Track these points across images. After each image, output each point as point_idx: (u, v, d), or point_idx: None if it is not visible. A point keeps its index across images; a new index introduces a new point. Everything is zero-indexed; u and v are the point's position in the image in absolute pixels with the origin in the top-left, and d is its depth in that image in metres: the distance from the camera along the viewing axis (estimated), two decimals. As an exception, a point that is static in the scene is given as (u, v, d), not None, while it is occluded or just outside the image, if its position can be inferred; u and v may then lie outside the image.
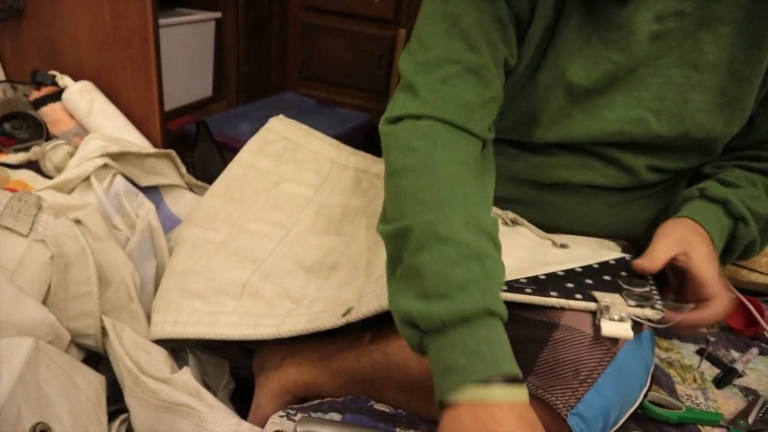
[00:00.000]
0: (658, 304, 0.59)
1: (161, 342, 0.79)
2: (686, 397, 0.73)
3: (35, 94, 1.24)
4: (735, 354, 0.82)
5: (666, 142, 0.68)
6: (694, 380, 0.77)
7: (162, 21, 1.24)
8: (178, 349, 0.85)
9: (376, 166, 0.97)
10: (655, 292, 0.61)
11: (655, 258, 0.61)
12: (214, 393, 0.81)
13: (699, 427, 0.67)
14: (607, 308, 0.57)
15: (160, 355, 0.68)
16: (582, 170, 0.72)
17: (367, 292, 0.73)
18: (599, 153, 0.70)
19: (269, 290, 0.80)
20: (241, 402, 0.84)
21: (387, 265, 0.59)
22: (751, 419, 0.68)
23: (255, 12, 1.78)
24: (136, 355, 0.67)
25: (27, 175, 1.11)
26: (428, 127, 0.60)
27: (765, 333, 0.84)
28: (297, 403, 0.75)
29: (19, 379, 0.49)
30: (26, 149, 1.20)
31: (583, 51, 0.65)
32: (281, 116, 1.04)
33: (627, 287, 0.61)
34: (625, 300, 0.59)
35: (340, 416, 0.66)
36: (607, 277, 0.62)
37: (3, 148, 1.19)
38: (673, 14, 0.63)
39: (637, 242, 0.78)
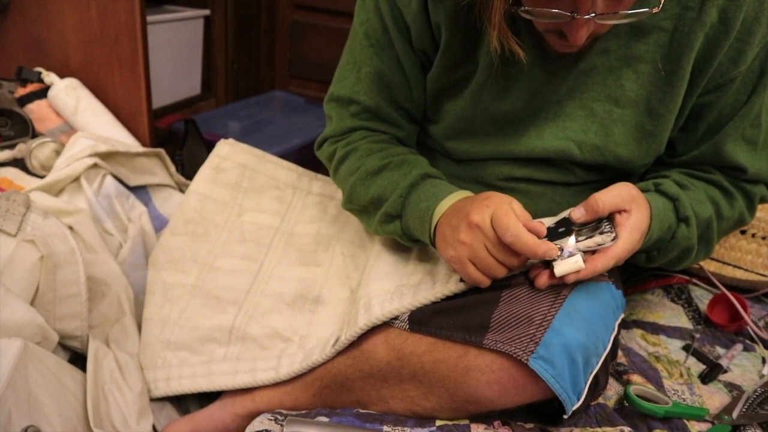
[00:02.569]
0: (607, 228, 0.62)
1: None
2: (673, 391, 0.74)
3: (21, 91, 1.23)
4: (720, 350, 0.83)
5: (588, 166, 0.74)
6: (681, 375, 0.78)
7: (150, 18, 1.23)
8: None
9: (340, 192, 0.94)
10: (606, 222, 0.63)
11: (599, 205, 0.63)
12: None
13: (685, 421, 0.68)
14: (561, 249, 0.61)
15: (132, 394, 0.67)
16: (520, 168, 0.76)
17: (350, 317, 0.74)
18: (532, 160, 0.75)
19: (257, 331, 0.79)
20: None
21: (362, 220, 0.80)
22: (735, 414, 0.69)
23: (244, 9, 1.78)
24: (108, 391, 0.66)
25: (12, 173, 1.10)
26: (344, 136, 0.80)
27: (748, 328, 0.85)
28: None
29: (9, 381, 0.48)
30: (11, 147, 1.18)
31: (504, 85, 0.70)
32: (231, 140, 0.98)
33: (578, 228, 0.64)
34: (576, 238, 0.62)
35: (327, 419, 0.67)
36: (562, 229, 0.65)
37: (-12, 146, 1.18)
38: (598, 52, 0.67)
39: None
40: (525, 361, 0.58)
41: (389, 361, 0.67)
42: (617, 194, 0.63)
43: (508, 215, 0.59)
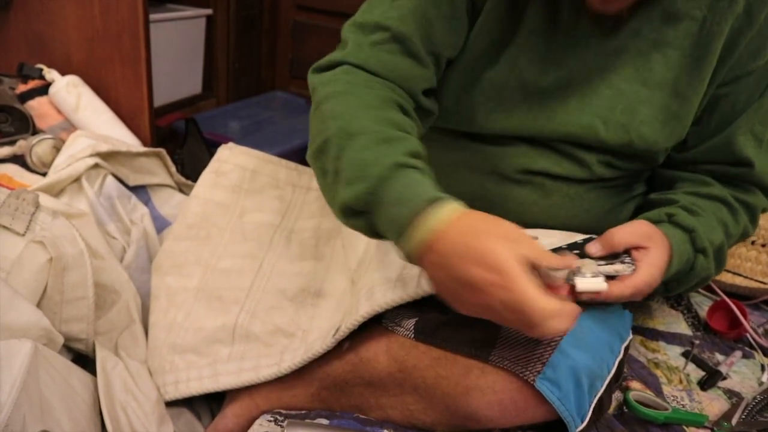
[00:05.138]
0: (627, 260, 0.63)
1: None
2: (672, 398, 0.75)
3: (22, 88, 1.22)
4: (719, 357, 0.84)
5: (612, 148, 0.72)
6: (680, 381, 0.78)
7: (152, 16, 1.23)
8: None
9: None
10: (625, 254, 0.64)
11: (615, 240, 0.63)
12: (212, 415, 0.83)
13: (684, 428, 0.69)
14: (579, 269, 0.59)
15: (149, 403, 0.67)
16: (540, 159, 0.74)
17: (351, 307, 0.74)
18: (554, 147, 0.74)
19: (260, 329, 0.79)
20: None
21: (320, 184, 0.64)
22: (734, 421, 0.69)
23: (246, 10, 1.78)
24: (125, 401, 0.65)
25: (12, 170, 1.10)
26: (351, 69, 0.67)
27: (747, 335, 0.86)
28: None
29: (23, 385, 0.48)
30: (12, 143, 1.18)
31: (541, 54, 0.70)
32: (231, 144, 0.98)
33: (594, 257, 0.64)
34: (596, 261, 0.62)
35: (328, 421, 0.67)
36: (576, 252, 0.65)
37: (-12, 143, 1.17)
38: (630, 34, 0.68)
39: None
40: (531, 382, 0.58)
41: (390, 372, 0.67)
42: (633, 231, 0.63)
43: (528, 295, 0.48)
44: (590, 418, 0.62)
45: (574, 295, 0.59)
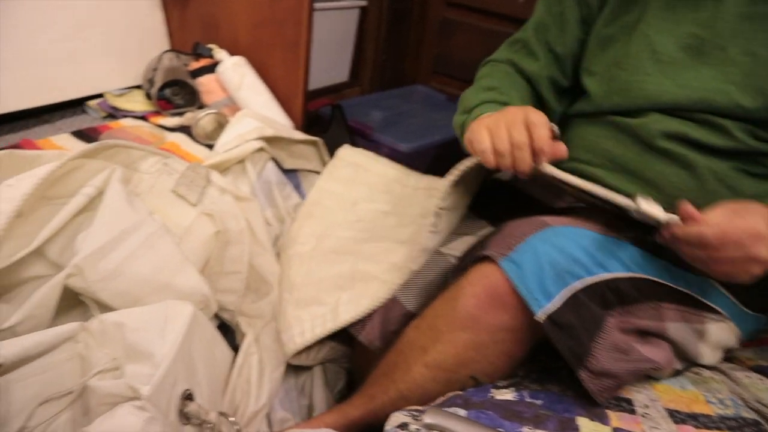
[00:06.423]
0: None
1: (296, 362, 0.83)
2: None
3: (194, 65, 1.33)
4: None
5: (749, 114, 0.72)
6: None
7: (314, 5, 1.27)
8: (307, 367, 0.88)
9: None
10: None
11: (704, 217, 0.63)
12: (332, 392, 0.86)
13: None
14: (641, 199, 0.66)
15: (253, 407, 0.69)
16: (677, 125, 0.75)
17: None
18: (690, 117, 0.75)
19: (377, 269, 0.83)
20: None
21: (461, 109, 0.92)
22: None
23: (398, 3, 1.79)
24: (243, 391, 0.68)
25: (180, 139, 1.20)
26: (493, 63, 0.96)
27: None
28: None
29: (180, 345, 0.51)
30: (181, 114, 1.29)
31: (671, 27, 0.76)
32: (346, 146, 1.13)
33: None
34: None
35: (465, 412, 0.65)
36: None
37: (162, 111, 1.30)
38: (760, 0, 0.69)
39: None
40: (497, 260, 0.66)
41: (418, 328, 0.73)
42: (724, 205, 0.63)
43: (541, 115, 0.68)
44: (564, 309, 0.64)
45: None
